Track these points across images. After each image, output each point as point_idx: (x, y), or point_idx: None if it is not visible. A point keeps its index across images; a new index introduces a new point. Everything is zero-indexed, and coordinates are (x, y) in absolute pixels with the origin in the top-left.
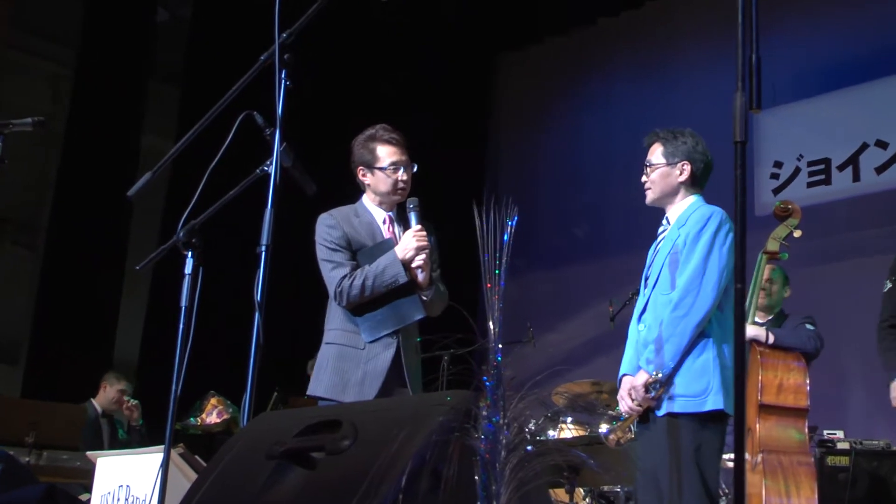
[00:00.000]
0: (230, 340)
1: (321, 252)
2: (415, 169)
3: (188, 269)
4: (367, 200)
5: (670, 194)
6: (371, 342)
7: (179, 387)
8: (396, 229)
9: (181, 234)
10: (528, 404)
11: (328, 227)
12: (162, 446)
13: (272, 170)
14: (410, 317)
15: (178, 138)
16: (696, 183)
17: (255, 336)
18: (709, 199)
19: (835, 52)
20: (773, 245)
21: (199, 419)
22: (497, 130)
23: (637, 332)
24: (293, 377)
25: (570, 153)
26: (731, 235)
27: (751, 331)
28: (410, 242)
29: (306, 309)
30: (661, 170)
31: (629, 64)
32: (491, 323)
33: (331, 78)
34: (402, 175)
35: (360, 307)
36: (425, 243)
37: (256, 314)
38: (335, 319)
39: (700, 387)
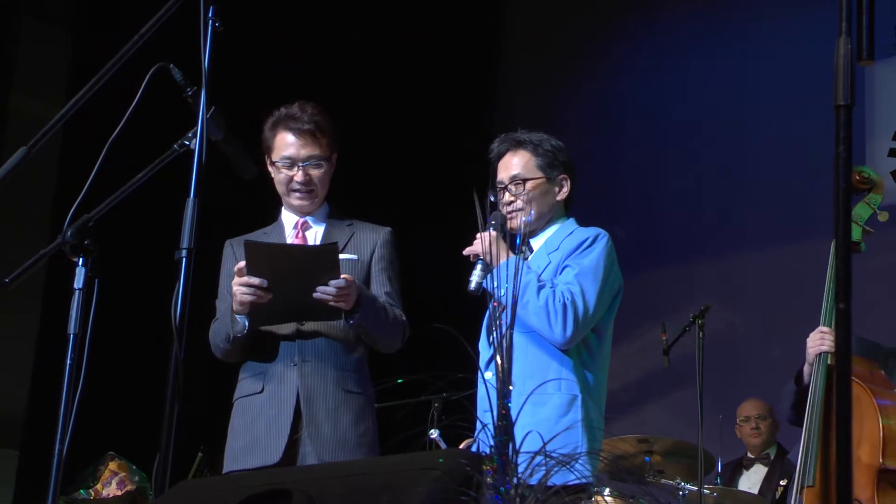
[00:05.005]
0: (138, 381)
1: None
2: (322, 169)
3: (78, 282)
4: (284, 210)
5: (546, 218)
6: (266, 375)
7: (66, 446)
8: (316, 235)
9: (69, 233)
10: (550, 468)
11: (224, 258)
12: None
13: (196, 145)
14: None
15: (66, 100)
16: (569, 205)
17: (172, 374)
18: (797, 189)
19: None
20: (853, 231)
21: (92, 491)
22: (506, 87)
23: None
24: (225, 431)
25: (607, 121)
26: (616, 268)
27: None
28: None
29: None
30: (541, 186)
31: None
32: (498, 357)
33: (283, 17)
34: (297, 175)
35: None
36: (245, 288)
37: (175, 344)
38: (241, 370)
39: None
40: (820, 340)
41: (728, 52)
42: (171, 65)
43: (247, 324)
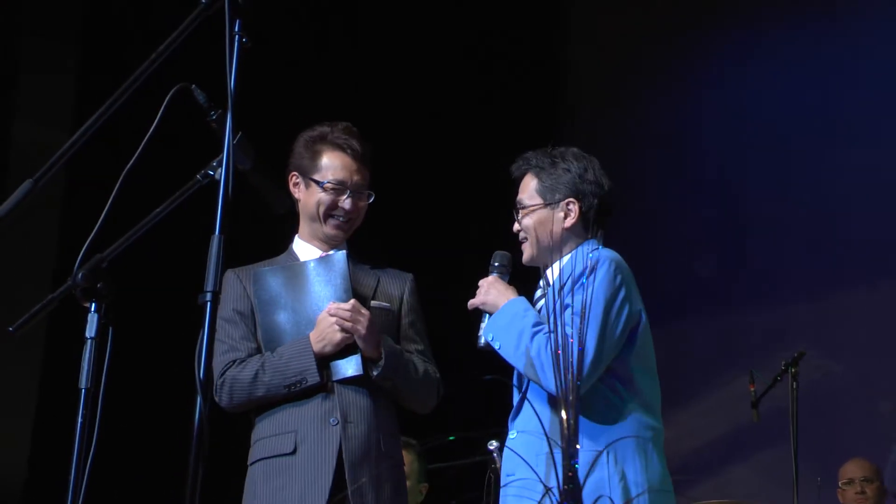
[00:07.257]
0: (157, 440)
1: None
2: (370, 199)
3: (91, 330)
4: (299, 239)
5: (556, 248)
6: (300, 434)
7: None
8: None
9: (80, 275)
10: None
11: (225, 287)
12: None
13: (221, 175)
14: (342, 372)
15: (75, 128)
16: (588, 227)
17: (196, 433)
18: None
19: None
20: None
21: None
22: (571, 99)
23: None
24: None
25: (685, 139)
26: (623, 293)
27: None
28: (327, 327)
29: None
30: (537, 213)
31: None
32: (563, 412)
33: (319, 32)
34: (344, 202)
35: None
36: (347, 318)
37: (199, 399)
38: (257, 429)
39: None
40: None
41: (822, 63)
42: (194, 85)
43: (318, 378)
